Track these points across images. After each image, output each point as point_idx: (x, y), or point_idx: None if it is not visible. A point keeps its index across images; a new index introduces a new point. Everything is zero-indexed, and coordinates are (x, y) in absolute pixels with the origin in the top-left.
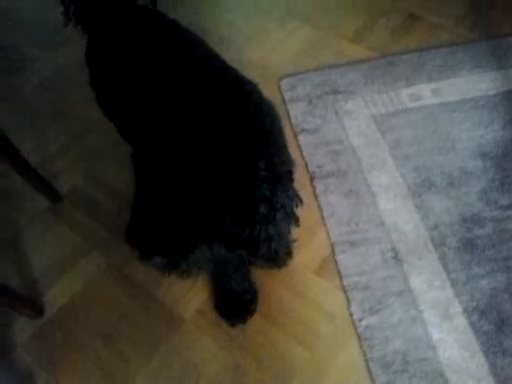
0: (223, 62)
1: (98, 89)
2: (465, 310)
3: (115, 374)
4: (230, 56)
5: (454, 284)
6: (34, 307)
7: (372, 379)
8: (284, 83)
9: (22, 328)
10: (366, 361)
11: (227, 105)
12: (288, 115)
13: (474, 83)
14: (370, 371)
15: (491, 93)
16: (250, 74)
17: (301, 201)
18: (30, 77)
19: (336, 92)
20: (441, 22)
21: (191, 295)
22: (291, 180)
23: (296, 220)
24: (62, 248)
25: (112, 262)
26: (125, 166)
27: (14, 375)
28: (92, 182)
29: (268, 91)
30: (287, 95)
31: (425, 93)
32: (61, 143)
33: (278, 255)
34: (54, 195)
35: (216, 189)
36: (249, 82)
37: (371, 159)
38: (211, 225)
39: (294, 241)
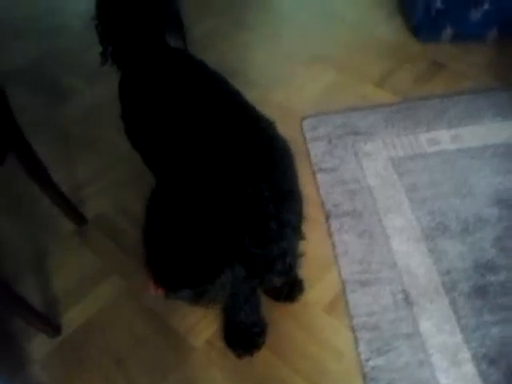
0: (244, 100)
1: (127, 121)
2: (474, 357)
3: None
4: (254, 96)
5: (463, 330)
6: (52, 325)
7: None
8: (306, 123)
9: (40, 345)
10: None
11: (242, 139)
12: (308, 154)
13: (495, 131)
14: None
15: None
16: (273, 113)
17: (304, 217)
18: (72, 107)
19: (356, 133)
20: (464, 70)
21: (203, 325)
22: (294, 199)
23: (302, 235)
24: (83, 271)
25: (131, 287)
26: (144, 196)
27: None
28: (117, 210)
29: (290, 131)
30: (308, 135)
31: (444, 138)
32: (91, 172)
33: (293, 269)
34: (79, 219)
35: (232, 213)
36: (266, 120)
37: (387, 201)
38: (233, 248)
39: (302, 255)
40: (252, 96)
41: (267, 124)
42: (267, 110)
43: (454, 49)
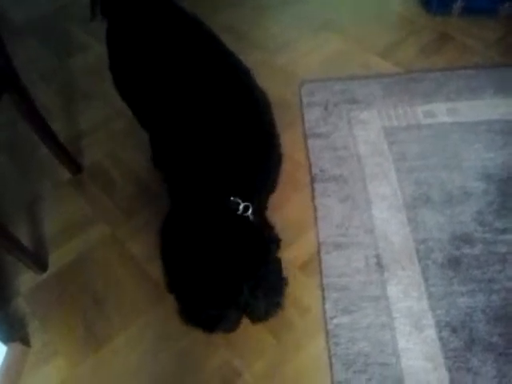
0: (225, 49)
1: (115, 72)
2: (437, 324)
3: (96, 332)
4: (257, 58)
5: (430, 297)
6: (38, 262)
7: (331, 374)
8: (305, 88)
9: (26, 280)
10: (330, 357)
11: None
12: (302, 119)
13: (493, 107)
14: (331, 366)
15: (509, 118)
16: (274, 76)
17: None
18: (78, 62)
19: (353, 102)
20: (471, 45)
21: None
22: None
23: None
24: (73, 216)
25: (116, 236)
26: (142, 151)
27: (10, 319)
28: (112, 161)
29: (288, 95)
30: (305, 100)
31: (440, 111)
32: (91, 123)
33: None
34: (75, 168)
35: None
36: (243, 67)
37: (374, 168)
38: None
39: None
40: (255, 58)
41: (245, 71)
42: (268, 72)
43: (463, 22)
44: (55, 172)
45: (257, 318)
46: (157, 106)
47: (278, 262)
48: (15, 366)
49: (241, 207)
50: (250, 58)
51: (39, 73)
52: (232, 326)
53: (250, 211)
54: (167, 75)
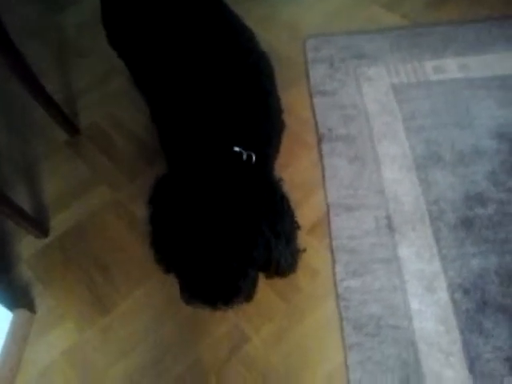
0: (228, 11)
1: (110, 28)
2: (449, 286)
3: (102, 297)
4: (261, 13)
5: (443, 259)
6: (40, 228)
7: (342, 338)
8: (309, 43)
9: (27, 246)
10: (341, 320)
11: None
12: (307, 76)
13: (505, 62)
14: (342, 330)
15: None
16: (278, 32)
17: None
18: (71, 17)
19: (360, 57)
20: None
21: None
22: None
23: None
24: (74, 179)
25: (118, 198)
26: (143, 111)
27: (14, 285)
28: (110, 121)
29: (292, 51)
30: (310, 55)
31: (451, 67)
32: (87, 82)
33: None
34: (72, 129)
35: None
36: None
37: (383, 127)
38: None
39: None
40: (257, 13)
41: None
42: (271, 27)
43: None
44: (51, 134)
45: (283, 270)
46: (156, 66)
47: (290, 206)
48: (21, 332)
49: (244, 157)
50: (253, 14)
51: (29, 30)
52: (249, 295)
53: (254, 159)
54: (167, 34)
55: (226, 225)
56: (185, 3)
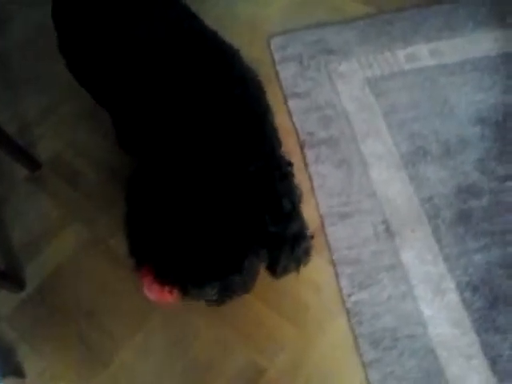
0: (202, 24)
1: (67, 54)
2: (457, 286)
3: (98, 348)
4: (217, 12)
5: (446, 258)
6: (15, 281)
7: (360, 355)
8: (274, 42)
9: (4, 302)
10: (355, 337)
11: (211, 77)
12: (278, 78)
13: (476, 43)
14: (358, 347)
15: (493, 53)
16: (239, 33)
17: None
18: (7, 37)
19: (329, 52)
20: None
21: None
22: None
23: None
24: (43, 219)
25: (95, 234)
26: (105, 133)
27: None
28: (72, 150)
29: (257, 52)
30: (277, 55)
31: (423, 53)
32: (39, 109)
33: (309, 254)
34: (32, 163)
35: (246, 193)
36: (231, 48)
37: (364, 126)
38: (254, 228)
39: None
40: (215, 14)
41: (232, 52)
42: (233, 28)
43: None
44: (9, 171)
45: (284, 270)
46: (128, 89)
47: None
48: None
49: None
50: (209, 14)
51: None
52: (245, 288)
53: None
54: (138, 61)
55: (218, 209)
56: (158, 16)
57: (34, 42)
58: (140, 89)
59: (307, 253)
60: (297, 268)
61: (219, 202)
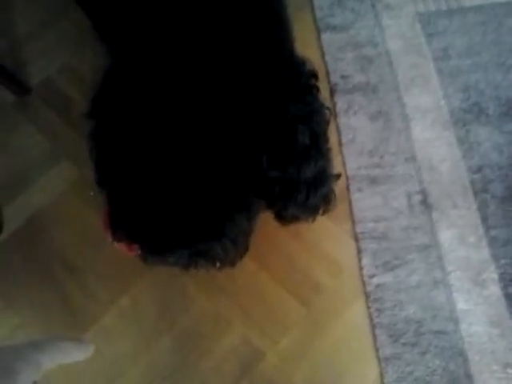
0: None
1: None
2: (501, 278)
3: (78, 309)
4: None
5: (492, 243)
6: None
7: (376, 349)
8: None
9: None
10: (373, 326)
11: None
12: (311, 5)
13: None
14: (375, 339)
15: None
16: None
17: (331, 112)
18: None
19: None
20: None
21: None
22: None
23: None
24: (27, 154)
25: (84, 177)
26: (103, 60)
27: None
28: (67, 76)
29: None
30: None
31: None
32: (32, 25)
33: (331, 204)
34: (20, 88)
35: (241, 122)
36: None
37: (410, 71)
38: (245, 175)
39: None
40: None
41: None
42: None
43: None
44: None
45: (294, 218)
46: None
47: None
48: None
49: None
50: None
51: None
52: (227, 256)
53: None
54: None
55: (205, 141)
56: None
57: None
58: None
59: (327, 200)
60: (312, 217)
61: (201, 135)
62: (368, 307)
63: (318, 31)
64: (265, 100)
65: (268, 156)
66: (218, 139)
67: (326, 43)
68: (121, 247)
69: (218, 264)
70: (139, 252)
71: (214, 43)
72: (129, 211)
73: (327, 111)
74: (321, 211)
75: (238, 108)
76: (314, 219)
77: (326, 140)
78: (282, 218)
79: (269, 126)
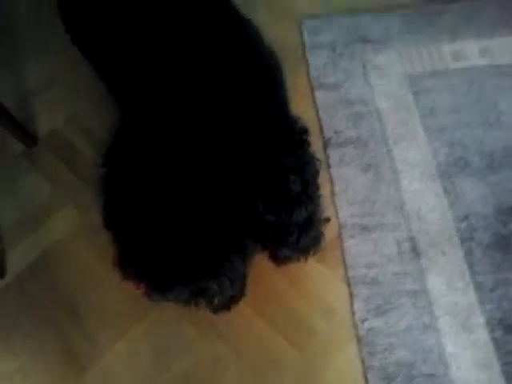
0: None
1: (69, 22)
2: (488, 322)
3: (79, 353)
4: None
5: (479, 289)
6: None
7: None
8: (306, 26)
9: None
10: (365, 369)
11: (223, 51)
12: (306, 65)
13: None
14: (367, 382)
15: None
16: (267, 13)
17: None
18: (14, 3)
19: (366, 41)
20: None
21: None
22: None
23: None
24: (33, 200)
25: (87, 222)
26: (108, 112)
27: None
28: (73, 127)
29: (286, 36)
30: (308, 40)
31: (472, 51)
32: (40, 79)
33: (320, 244)
34: (28, 139)
35: (238, 168)
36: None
37: (399, 128)
38: (242, 221)
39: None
40: None
41: (252, 29)
42: (263, 8)
43: None
44: (4, 145)
45: (286, 259)
46: (140, 64)
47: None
48: None
49: None
50: None
51: None
52: (223, 293)
53: None
54: (153, 30)
55: (207, 192)
56: None
57: (40, 12)
58: (142, 51)
59: (317, 242)
60: (303, 258)
61: (203, 185)
62: (360, 350)
63: (313, 89)
64: (260, 154)
65: (263, 203)
66: (218, 188)
67: (320, 100)
68: (128, 284)
69: (216, 301)
70: (144, 289)
71: (215, 104)
72: (136, 254)
73: (317, 162)
74: (311, 252)
75: (237, 160)
76: (305, 259)
77: (317, 188)
78: (276, 258)
79: (264, 176)
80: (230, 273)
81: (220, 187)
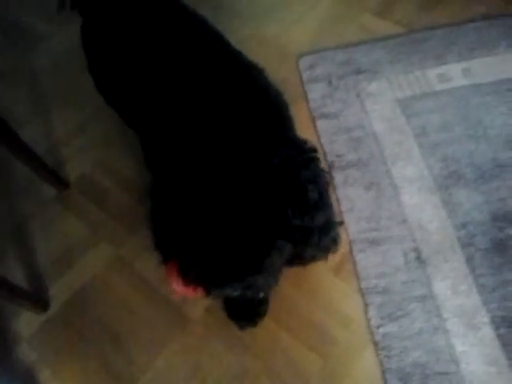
0: (229, 45)
1: (96, 75)
2: (492, 321)
3: (120, 374)
4: (246, 32)
5: (481, 290)
6: (38, 302)
7: None
8: (303, 62)
9: (27, 322)
10: (383, 372)
11: (235, 93)
12: (306, 98)
13: (509, 62)
14: (386, 383)
15: None
16: (266, 52)
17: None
18: (40, 55)
19: (359, 72)
20: None
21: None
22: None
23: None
24: (69, 239)
25: (121, 255)
26: (134, 154)
27: (18, 369)
28: (100, 170)
29: (285, 72)
30: (306, 75)
31: (455, 73)
32: (68, 128)
33: (338, 243)
34: (60, 183)
35: (266, 186)
36: (256, 67)
37: (395, 148)
38: (274, 224)
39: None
40: (241, 34)
41: (258, 72)
42: (260, 48)
43: None
44: (38, 191)
45: (311, 259)
46: (159, 112)
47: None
48: None
49: None
50: (237, 34)
51: None
52: (269, 285)
53: None
54: (166, 76)
55: (238, 206)
56: (185, 38)
57: (65, 62)
58: (165, 106)
59: (335, 242)
60: (324, 257)
61: (240, 199)
62: (377, 354)
63: (314, 119)
64: (285, 170)
65: (291, 209)
66: (255, 200)
67: (321, 129)
68: (185, 291)
69: (261, 294)
70: (200, 292)
71: (242, 137)
72: (193, 261)
73: (327, 175)
74: (332, 251)
75: (268, 178)
76: (326, 258)
77: (329, 196)
78: (303, 258)
79: (290, 187)
80: (270, 267)
81: (257, 199)
